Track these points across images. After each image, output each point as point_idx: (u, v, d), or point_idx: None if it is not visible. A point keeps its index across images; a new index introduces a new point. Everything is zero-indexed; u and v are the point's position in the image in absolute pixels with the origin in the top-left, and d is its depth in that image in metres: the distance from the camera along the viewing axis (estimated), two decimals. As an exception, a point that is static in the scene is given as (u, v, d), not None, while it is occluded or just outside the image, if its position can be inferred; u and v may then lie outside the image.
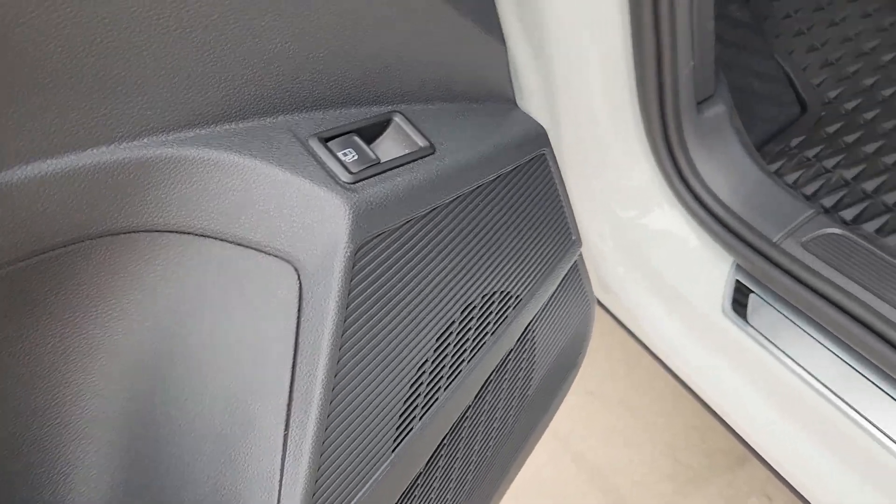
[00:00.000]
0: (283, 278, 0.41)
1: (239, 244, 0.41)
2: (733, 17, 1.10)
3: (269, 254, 0.41)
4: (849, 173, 1.00)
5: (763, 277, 0.81)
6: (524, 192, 0.56)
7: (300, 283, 0.41)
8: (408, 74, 0.49)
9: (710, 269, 0.87)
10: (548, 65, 0.78)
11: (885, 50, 1.11)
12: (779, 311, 0.82)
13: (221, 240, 0.41)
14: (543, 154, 0.55)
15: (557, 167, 0.57)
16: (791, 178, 1.01)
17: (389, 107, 0.47)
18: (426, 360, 0.48)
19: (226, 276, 0.42)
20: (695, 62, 0.79)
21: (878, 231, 0.94)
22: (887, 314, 0.72)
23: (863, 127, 1.04)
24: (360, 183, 0.43)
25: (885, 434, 0.73)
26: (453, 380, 0.50)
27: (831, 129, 1.05)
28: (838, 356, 0.78)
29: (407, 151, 0.46)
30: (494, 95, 0.54)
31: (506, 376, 0.56)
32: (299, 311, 0.42)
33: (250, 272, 0.42)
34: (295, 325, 0.42)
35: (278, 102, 0.43)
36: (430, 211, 0.48)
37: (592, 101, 0.83)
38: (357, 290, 0.42)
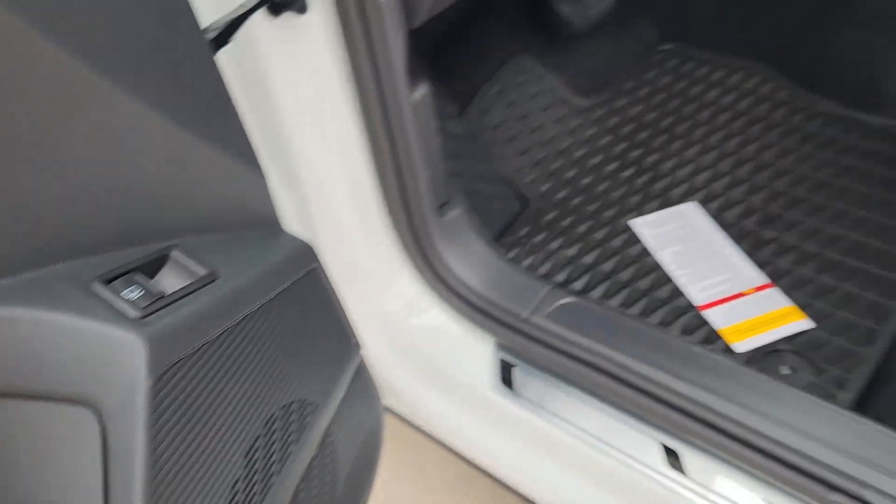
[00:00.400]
0: (85, 425, 0.41)
1: (32, 398, 0.40)
2: (453, 133, 1.25)
3: (68, 401, 0.41)
4: (570, 251, 1.16)
5: (521, 351, 0.92)
6: (303, 305, 0.60)
7: (103, 426, 0.41)
8: (180, 211, 0.51)
9: (475, 352, 0.96)
10: (303, 192, 0.84)
11: (576, 148, 1.32)
12: (540, 377, 0.92)
13: (11, 396, 0.40)
14: (314, 268, 0.60)
15: (328, 279, 0.62)
16: (526, 262, 1.15)
17: (168, 241, 0.49)
18: (238, 480, 0.49)
19: (22, 434, 0.40)
20: (430, 173, 0.90)
21: (603, 296, 1.10)
22: (626, 363, 0.84)
23: (573, 212, 1.22)
24: (149, 317, 0.44)
25: (654, 471, 0.84)
26: (266, 495, 0.51)
27: (549, 217, 1.22)
28: (599, 408, 0.89)
29: (190, 281, 0.48)
30: (263, 221, 0.58)
31: (314, 483, 0.57)
32: (105, 456, 0.42)
33: (48, 425, 0.41)
34: (102, 473, 0.42)
35: (51, 252, 0.44)
36: (221, 333, 0.50)
37: (348, 221, 0.90)
38: (161, 422, 0.43)
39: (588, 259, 1.15)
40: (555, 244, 1.18)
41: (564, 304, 0.91)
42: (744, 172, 1.24)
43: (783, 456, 0.76)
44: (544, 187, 1.28)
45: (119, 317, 0.43)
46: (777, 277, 1.07)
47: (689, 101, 1.37)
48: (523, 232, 1.21)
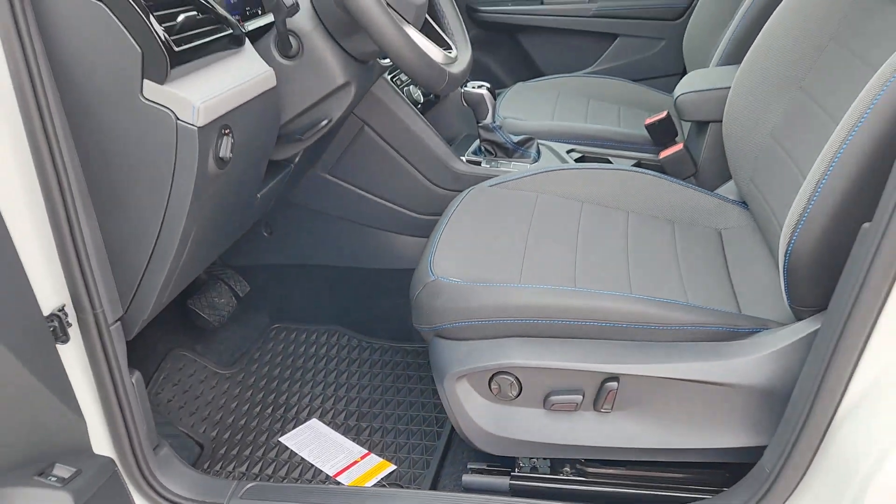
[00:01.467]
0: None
1: None
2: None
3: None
4: (242, 469, 1.71)
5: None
6: (110, 495, 1.07)
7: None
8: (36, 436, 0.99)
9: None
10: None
11: (230, 402, 1.91)
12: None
13: None
14: (115, 471, 1.08)
15: (124, 480, 1.10)
16: (223, 474, 1.66)
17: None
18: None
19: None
20: (145, 427, 1.41)
21: (284, 479, 1.65)
22: None
23: (238, 444, 1.78)
24: (64, 487, 0.92)
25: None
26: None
27: (222, 451, 1.76)
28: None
29: (73, 471, 0.96)
30: (83, 448, 1.06)
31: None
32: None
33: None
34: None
35: None
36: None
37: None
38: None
39: (256, 470, 1.71)
40: (230, 467, 1.72)
41: (251, 486, 1.45)
42: (342, 392, 1.94)
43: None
44: (214, 433, 1.82)
45: (53, 484, 0.91)
46: (373, 447, 1.76)
47: (298, 356, 2.08)
48: (206, 465, 1.72)
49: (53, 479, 0.93)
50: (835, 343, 1.07)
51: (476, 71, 2.13)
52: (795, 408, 1.14)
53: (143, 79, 1.12)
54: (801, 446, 1.12)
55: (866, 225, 1.03)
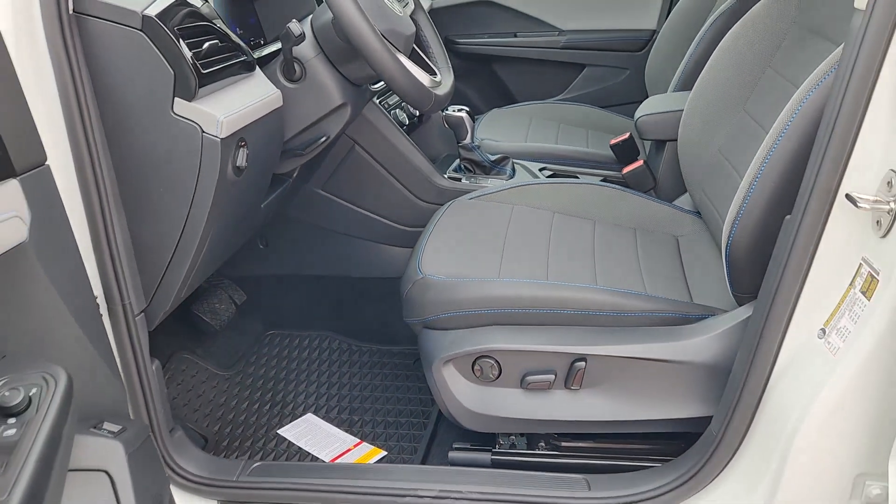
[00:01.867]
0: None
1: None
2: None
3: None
4: (243, 459, 1.85)
5: (234, 498, 1.56)
6: (146, 455, 1.22)
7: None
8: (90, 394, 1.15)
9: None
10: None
11: (230, 400, 2.05)
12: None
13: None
14: (149, 436, 1.24)
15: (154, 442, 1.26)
16: (234, 456, 1.80)
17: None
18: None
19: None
20: (163, 409, 1.56)
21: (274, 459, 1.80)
22: (301, 483, 1.55)
23: (239, 436, 1.93)
24: (118, 437, 1.07)
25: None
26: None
27: (224, 443, 1.91)
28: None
29: (122, 425, 1.12)
30: (122, 412, 1.22)
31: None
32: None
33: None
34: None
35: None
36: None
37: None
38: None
39: (258, 458, 1.86)
40: (234, 456, 1.86)
41: (257, 465, 1.60)
42: (334, 391, 2.10)
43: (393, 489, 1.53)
44: (216, 427, 1.97)
45: (107, 435, 1.07)
46: (364, 437, 1.91)
47: (292, 359, 2.23)
48: (211, 453, 1.86)
49: (105, 431, 1.08)
50: (763, 321, 1.26)
51: (454, 98, 2.31)
52: (735, 379, 1.33)
53: (174, 97, 1.30)
54: (741, 410, 1.31)
55: (788, 217, 1.23)
